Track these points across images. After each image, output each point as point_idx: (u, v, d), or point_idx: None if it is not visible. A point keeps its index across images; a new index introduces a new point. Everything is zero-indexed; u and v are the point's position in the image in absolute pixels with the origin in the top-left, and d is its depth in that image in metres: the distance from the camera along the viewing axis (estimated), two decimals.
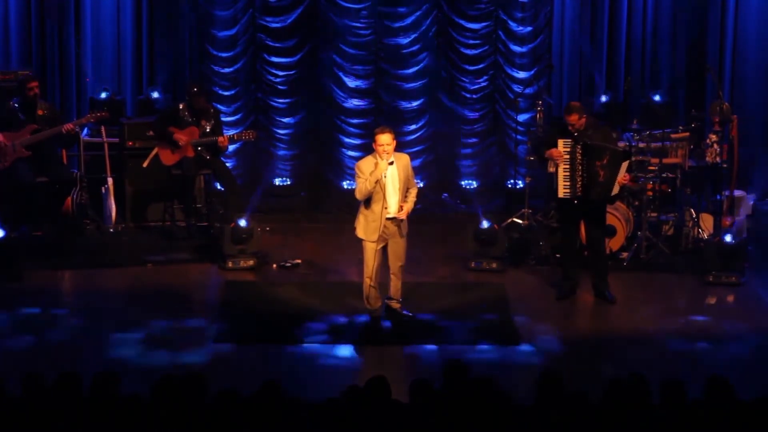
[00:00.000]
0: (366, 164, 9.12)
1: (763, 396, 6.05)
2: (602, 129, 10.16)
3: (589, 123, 10.03)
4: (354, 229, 9.31)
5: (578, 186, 9.91)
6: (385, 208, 9.10)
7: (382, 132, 9.08)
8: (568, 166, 9.92)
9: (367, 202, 9.16)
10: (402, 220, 9.21)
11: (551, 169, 10.04)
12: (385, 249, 9.32)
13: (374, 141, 9.09)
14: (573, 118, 9.88)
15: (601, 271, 10.26)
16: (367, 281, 9.31)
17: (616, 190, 9.95)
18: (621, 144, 11.31)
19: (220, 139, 11.52)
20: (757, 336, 9.47)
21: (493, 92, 13.65)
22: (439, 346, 9.18)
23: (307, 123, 13.55)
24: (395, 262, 9.35)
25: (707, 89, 13.46)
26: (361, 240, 9.30)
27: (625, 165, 9.90)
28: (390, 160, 9.05)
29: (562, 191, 9.99)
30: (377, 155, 9.07)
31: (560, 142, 9.97)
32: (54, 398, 6.04)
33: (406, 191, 9.23)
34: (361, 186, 9.09)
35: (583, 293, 10.36)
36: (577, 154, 9.89)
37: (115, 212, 12.21)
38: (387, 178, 9.07)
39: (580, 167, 9.88)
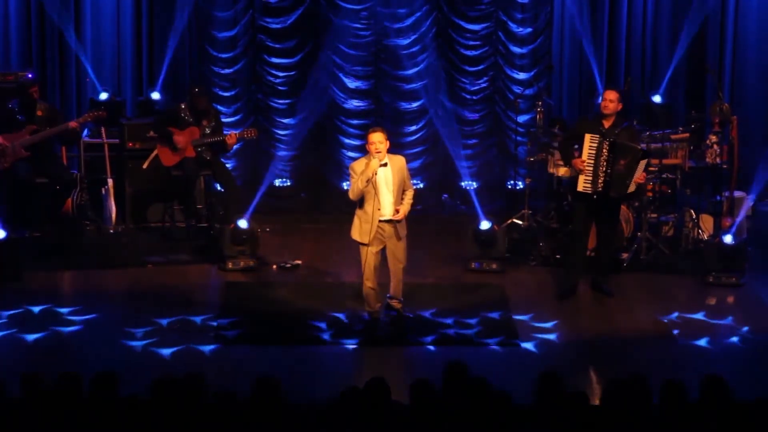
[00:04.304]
0: (359, 165, 9.12)
1: (764, 397, 6.04)
2: (629, 128, 10.16)
3: (617, 121, 10.00)
4: (350, 232, 9.31)
5: (600, 181, 9.89)
6: (378, 209, 9.07)
7: (374, 131, 9.10)
8: (592, 161, 9.90)
9: (361, 203, 9.15)
10: (399, 222, 9.20)
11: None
12: (385, 251, 9.31)
13: (366, 141, 9.11)
14: (612, 95, 9.87)
15: (604, 267, 10.31)
16: (366, 283, 9.29)
17: (632, 188, 9.94)
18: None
19: (227, 137, 11.48)
20: (756, 336, 9.47)
21: (493, 93, 13.67)
22: (439, 347, 9.18)
23: (307, 124, 13.55)
24: (395, 264, 9.31)
25: (707, 90, 13.47)
26: (358, 243, 9.29)
27: (642, 164, 9.90)
28: (383, 162, 9.03)
29: (583, 185, 9.96)
30: (370, 156, 9.07)
31: (587, 137, 9.94)
32: (53, 399, 6.04)
33: (402, 193, 9.21)
34: (353, 185, 9.08)
35: (583, 293, 10.36)
36: (604, 150, 9.86)
37: (115, 213, 12.20)
38: (380, 179, 9.04)
39: (605, 163, 9.85)
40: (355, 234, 9.23)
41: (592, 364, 8.91)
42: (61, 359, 8.72)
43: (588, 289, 10.40)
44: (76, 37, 13.27)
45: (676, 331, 9.54)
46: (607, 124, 9.95)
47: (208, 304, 10.13)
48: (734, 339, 9.43)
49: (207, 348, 9.07)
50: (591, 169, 9.90)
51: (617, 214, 10.32)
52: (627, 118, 10.55)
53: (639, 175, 9.89)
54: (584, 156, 9.93)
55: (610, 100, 9.90)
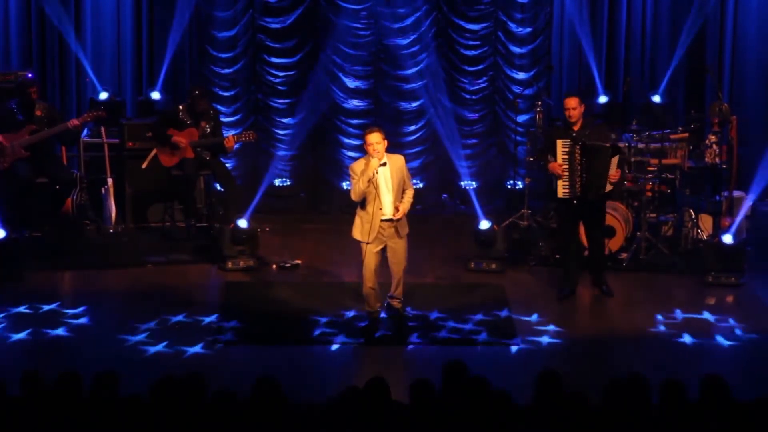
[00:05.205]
0: (358, 165, 9.12)
1: (764, 397, 6.05)
2: (599, 127, 10.19)
3: (587, 122, 10.05)
4: (351, 231, 9.32)
5: (577, 186, 9.93)
6: (379, 208, 9.07)
7: (371, 132, 9.08)
8: (567, 167, 9.94)
9: (362, 203, 9.15)
10: (399, 221, 9.20)
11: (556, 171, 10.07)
12: (386, 250, 9.32)
13: (364, 141, 9.10)
14: (573, 102, 9.90)
15: (599, 268, 10.34)
16: (366, 283, 9.29)
17: (608, 187, 9.97)
18: (620, 144, 11.33)
19: (226, 140, 11.46)
20: (756, 336, 9.47)
21: (493, 93, 13.69)
22: (439, 347, 9.18)
23: (307, 124, 13.55)
24: (395, 264, 9.30)
25: (706, 90, 13.48)
26: (359, 242, 9.30)
27: (615, 161, 9.92)
28: (382, 161, 9.03)
29: (562, 192, 10.01)
30: (369, 156, 9.08)
31: (559, 143, 9.99)
32: (53, 398, 6.04)
33: (402, 192, 9.21)
34: (355, 186, 9.09)
35: (583, 293, 10.38)
36: (576, 154, 9.90)
37: (115, 213, 12.22)
38: (380, 178, 9.04)
39: (579, 167, 9.89)
40: (357, 233, 9.24)
41: (591, 364, 8.91)
42: (61, 359, 8.72)
43: (588, 289, 10.42)
44: (76, 37, 13.28)
45: (675, 331, 9.54)
46: (576, 127, 9.99)
47: (208, 304, 10.13)
48: (734, 339, 9.42)
49: (207, 348, 9.07)
50: (568, 173, 9.93)
51: (603, 213, 10.32)
52: (598, 117, 10.59)
53: (613, 172, 9.91)
54: (559, 161, 9.97)
55: (572, 108, 9.94)
